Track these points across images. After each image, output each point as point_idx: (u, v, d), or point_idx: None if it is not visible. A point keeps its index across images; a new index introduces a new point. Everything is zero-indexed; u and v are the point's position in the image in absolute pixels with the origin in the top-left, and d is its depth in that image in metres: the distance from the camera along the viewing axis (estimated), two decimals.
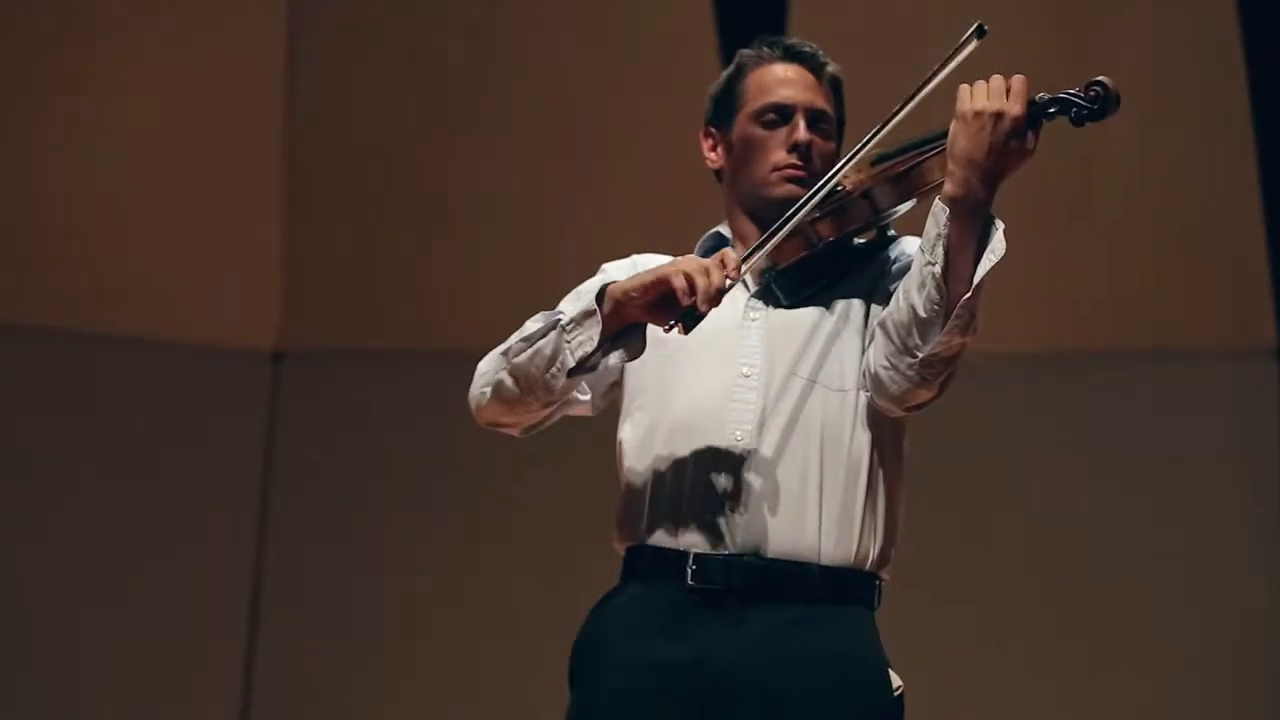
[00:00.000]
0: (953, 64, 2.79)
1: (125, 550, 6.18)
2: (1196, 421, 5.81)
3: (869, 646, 2.85)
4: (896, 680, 2.86)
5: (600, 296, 2.79)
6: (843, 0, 5.88)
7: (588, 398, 2.94)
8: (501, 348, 2.89)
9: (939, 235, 2.70)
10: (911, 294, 2.73)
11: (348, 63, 6.44)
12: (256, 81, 6.41)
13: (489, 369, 2.89)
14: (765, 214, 2.92)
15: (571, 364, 2.79)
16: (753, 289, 2.92)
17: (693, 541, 2.81)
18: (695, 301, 2.70)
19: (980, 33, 2.79)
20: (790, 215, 2.80)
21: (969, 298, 2.70)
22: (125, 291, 6.27)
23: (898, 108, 2.79)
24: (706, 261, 2.74)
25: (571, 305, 2.87)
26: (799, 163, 2.91)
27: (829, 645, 2.81)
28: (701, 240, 3.02)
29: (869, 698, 2.82)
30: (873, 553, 2.85)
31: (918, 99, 2.79)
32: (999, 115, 2.71)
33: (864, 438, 2.85)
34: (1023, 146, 2.72)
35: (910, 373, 2.76)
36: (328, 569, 6.30)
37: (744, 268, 2.76)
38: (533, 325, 2.86)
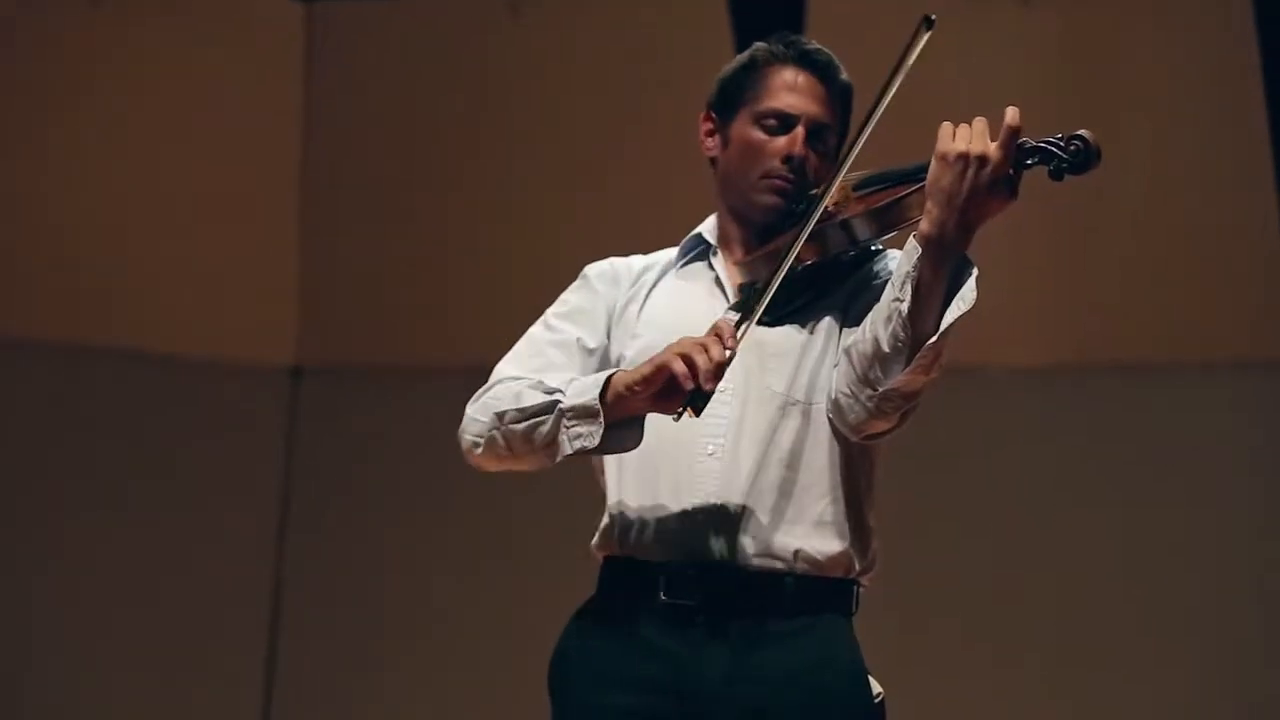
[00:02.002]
0: (909, 60, 2.75)
1: (145, 564, 6.19)
2: (1212, 434, 5.80)
3: (845, 654, 2.85)
4: (876, 687, 2.86)
5: (603, 391, 2.77)
6: (859, 14, 5.89)
7: None
8: (495, 405, 2.86)
9: (908, 274, 2.67)
10: (877, 326, 2.71)
11: (365, 78, 6.45)
12: (274, 96, 6.42)
13: (481, 423, 2.87)
14: (748, 215, 2.93)
15: (569, 452, 2.79)
16: (731, 301, 2.91)
17: (665, 555, 2.81)
18: (700, 384, 2.67)
19: (929, 23, 2.73)
20: (779, 265, 2.77)
21: (934, 341, 2.67)
22: (145, 308, 6.29)
23: (864, 123, 2.77)
24: (702, 338, 2.71)
25: (568, 384, 2.82)
26: (789, 175, 2.90)
27: (804, 655, 2.80)
28: (685, 241, 3.01)
29: (847, 705, 2.82)
30: (847, 561, 2.84)
31: (881, 107, 2.76)
32: (982, 159, 2.65)
33: (837, 450, 2.84)
34: (1004, 193, 2.67)
35: (869, 404, 2.74)
36: (346, 581, 6.31)
37: (740, 334, 2.72)
38: (530, 397, 2.83)
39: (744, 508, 2.81)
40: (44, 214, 6.21)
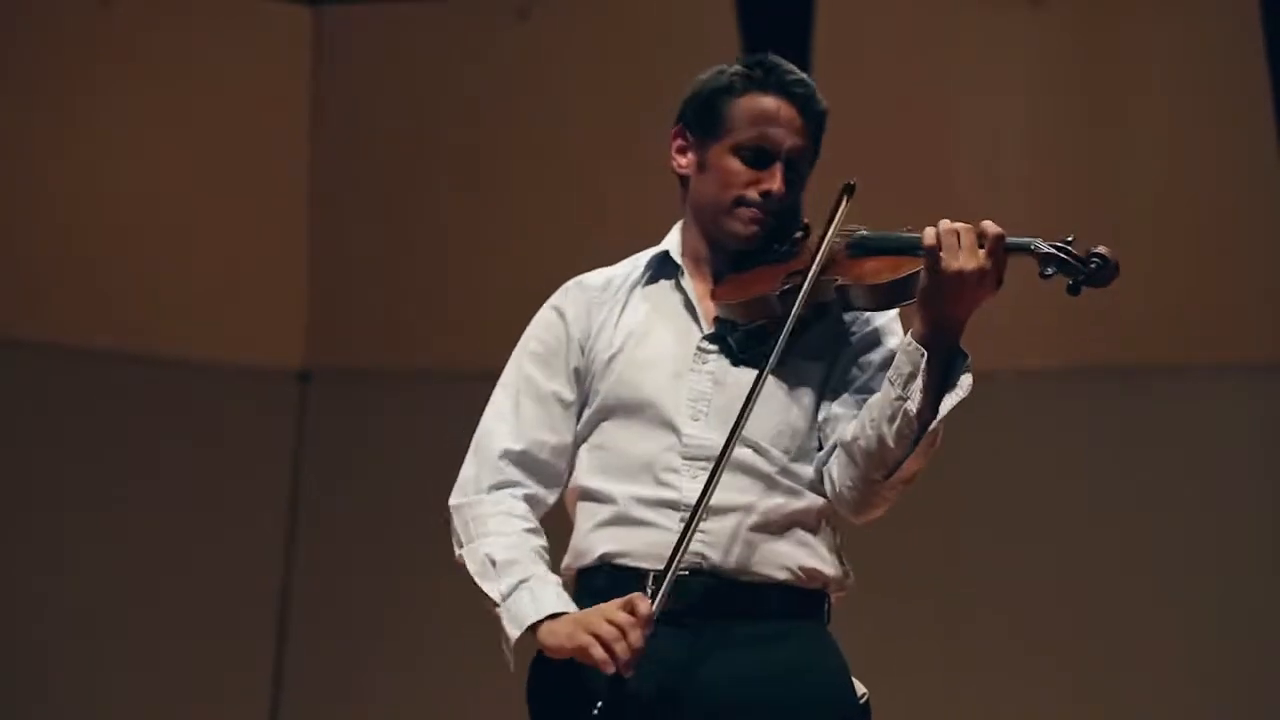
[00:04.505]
0: (834, 226, 2.84)
1: (154, 566, 6.20)
2: (1224, 436, 5.79)
3: (829, 656, 2.90)
4: (861, 688, 2.91)
5: (530, 628, 2.87)
6: (867, 14, 5.88)
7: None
8: (463, 543, 3.02)
9: (913, 374, 2.74)
10: (881, 425, 2.77)
11: (372, 82, 6.45)
12: (281, 99, 6.43)
13: (457, 549, 3.05)
14: (721, 241, 2.96)
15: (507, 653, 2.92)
16: (705, 330, 2.94)
17: (650, 565, 2.84)
18: (619, 671, 2.75)
19: (850, 190, 2.86)
20: (693, 518, 2.80)
21: (933, 430, 2.75)
22: (154, 312, 6.30)
23: (797, 306, 2.81)
24: (619, 618, 2.76)
25: (514, 588, 2.92)
26: (766, 209, 2.92)
27: (788, 657, 2.85)
28: (650, 258, 3.03)
29: (832, 705, 2.87)
30: (824, 577, 2.90)
31: (813, 275, 2.81)
32: (981, 274, 2.72)
33: (810, 475, 2.90)
34: (993, 288, 2.75)
35: (874, 497, 2.83)
36: (354, 585, 6.31)
37: (657, 610, 2.77)
38: (487, 579, 2.95)
39: (723, 526, 2.85)
40: (53, 218, 6.22)
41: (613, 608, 2.77)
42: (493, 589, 2.92)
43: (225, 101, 6.36)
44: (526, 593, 2.89)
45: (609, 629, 2.75)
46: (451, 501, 3.07)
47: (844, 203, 2.86)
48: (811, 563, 2.87)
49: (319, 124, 6.43)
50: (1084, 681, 5.77)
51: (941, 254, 2.71)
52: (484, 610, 2.95)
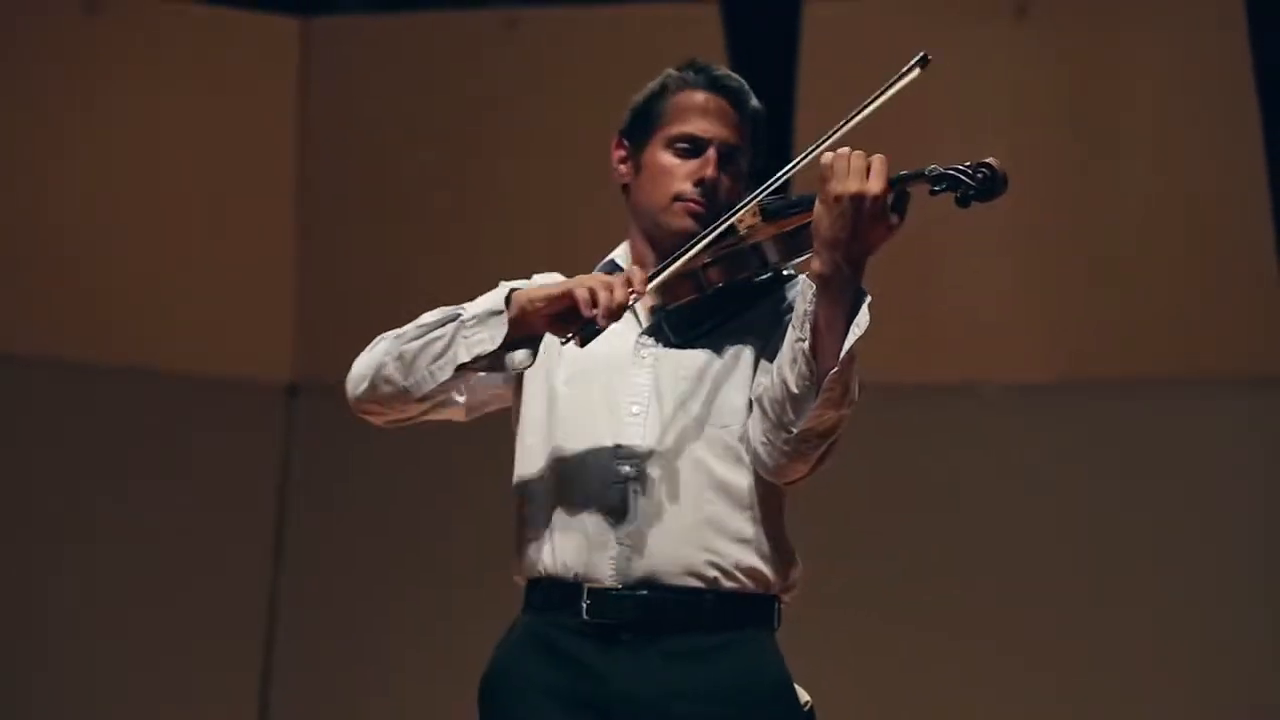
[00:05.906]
0: (892, 91, 2.81)
1: (141, 579, 6.20)
2: (1211, 449, 5.79)
3: (769, 666, 2.88)
4: (804, 695, 2.89)
5: (506, 300, 2.84)
6: (854, 25, 5.89)
7: (463, 400, 2.98)
8: (396, 331, 2.94)
9: (806, 313, 2.73)
10: (784, 369, 2.76)
11: (361, 94, 6.45)
12: (269, 112, 6.43)
13: (372, 355, 2.96)
14: (661, 241, 2.95)
15: (464, 359, 2.84)
16: (644, 325, 2.94)
17: (586, 575, 2.84)
18: (596, 315, 2.75)
19: (924, 62, 2.83)
20: (697, 240, 2.83)
21: (837, 372, 2.71)
22: (142, 325, 6.29)
23: (842, 124, 2.81)
24: (611, 278, 2.79)
25: (474, 306, 2.89)
26: (700, 198, 2.92)
27: (727, 669, 2.83)
28: (599, 267, 3.04)
29: (773, 716, 2.85)
30: (766, 578, 2.87)
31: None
32: (859, 196, 2.70)
33: (751, 472, 2.87)
34: (886, 224, 2.72)
35: (786, 448, 2.79)
36: (342, 599, 6.31)
37: (648, 287, 2.79)
38: (430, 316, 2.92)
39: (659, 528, 2.84)
40: (41, 232, 6.22)
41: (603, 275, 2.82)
42: (443, 314, 2.90)
43: (213, 114, 6.35)
44: (481, 298, 2.90)
45: (598, 279, 2.79)
46: (353, 376, 3.02)
47: (913, 71, 2.82)
48: (750, 560, 2.85)
49: (307, 135, 6.43)
50: (1068, 687, 5.77)
51: (831, 178, 2.72)
52: (424, 355, 2.87)
